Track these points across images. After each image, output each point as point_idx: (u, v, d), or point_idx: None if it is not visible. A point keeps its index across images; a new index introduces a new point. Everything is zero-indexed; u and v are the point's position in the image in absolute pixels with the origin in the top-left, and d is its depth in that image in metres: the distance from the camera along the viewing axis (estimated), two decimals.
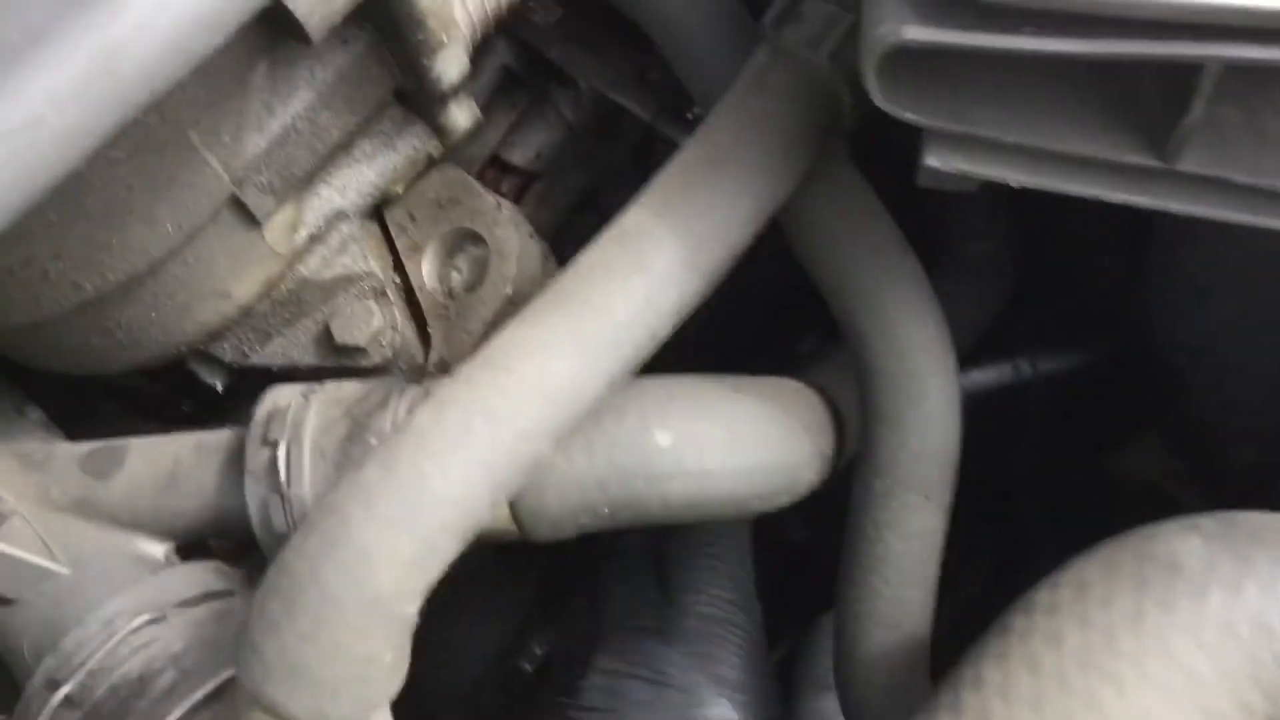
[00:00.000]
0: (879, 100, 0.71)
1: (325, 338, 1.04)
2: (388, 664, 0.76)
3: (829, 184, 0.95)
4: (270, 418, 0.92)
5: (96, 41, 0.65)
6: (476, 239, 1.10)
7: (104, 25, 0.65)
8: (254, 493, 0.91)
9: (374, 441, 0.89)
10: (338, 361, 1.04)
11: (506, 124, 1.25)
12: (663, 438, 0.89)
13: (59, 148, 0.65)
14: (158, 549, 0.97)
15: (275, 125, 0.92)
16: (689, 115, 1.19)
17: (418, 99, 1.01)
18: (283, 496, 0.90)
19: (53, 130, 0.64)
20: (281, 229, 1.00)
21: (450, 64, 0.94)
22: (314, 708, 0.74)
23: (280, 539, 0.91)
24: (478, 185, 1.09)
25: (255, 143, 0.92)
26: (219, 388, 1.08)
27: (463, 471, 0.74)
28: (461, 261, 1.11)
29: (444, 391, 0.77)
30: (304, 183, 0.99)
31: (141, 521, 0.96)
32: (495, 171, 1.26)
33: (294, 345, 1.05)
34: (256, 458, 0.91)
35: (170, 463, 0.96)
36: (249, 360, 1.06)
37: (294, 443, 0.91)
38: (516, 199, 1.24)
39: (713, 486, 0.90)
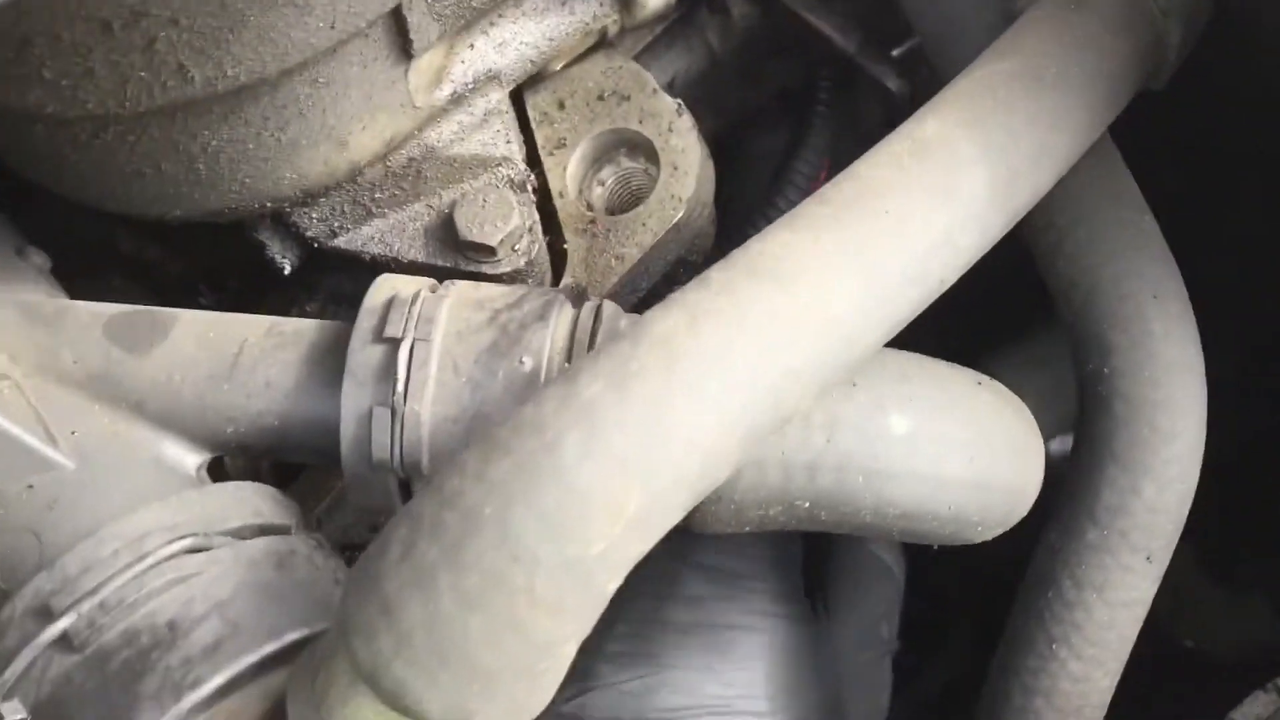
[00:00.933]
0: None
1: (442, 229, 0.82)
2: (562, 662, 0.54)
3: (1093, 162, 0.77)
4: (389, 307, 0.70)
5: None
6: (635, 148, 0.88)
7: None
8: (353, 401, 0.68)
9: (526, 363, 0.67)
10: (454, 261, 0.82)
11: (644, 38, 1.05)
12: (899, 424, 0.69)
13: None
14: (190, 458, 0.73)
15: None
16: (894, 53, 0.99)
17: None
18: (394, 412, 0.67)
19: None
20: (426, 76, 0.77)
21: None
22: (457, 706, 0.52)
23: (378, 470, 0.68)
24: (651, 79, 0.88)
25: None
26: (287, 269, 0.85)
27: (718, 410, 0.53)
28: (609, 174, 0.90)
29: (697, 298, 0.56)
30: (469, 21, 0.77)
31: (179, 418, 0.72)
32: None
33: (399, 231, 0.83)
34: (363, 356, 0.69)
35: (233, 345, 0.73)
36: (334, 240, 0.83)
37: (420, 343, 0.68)
38: None
39: (942, 498, 0.70)
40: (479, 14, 0.77)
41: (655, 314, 0.56)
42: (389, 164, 0.80)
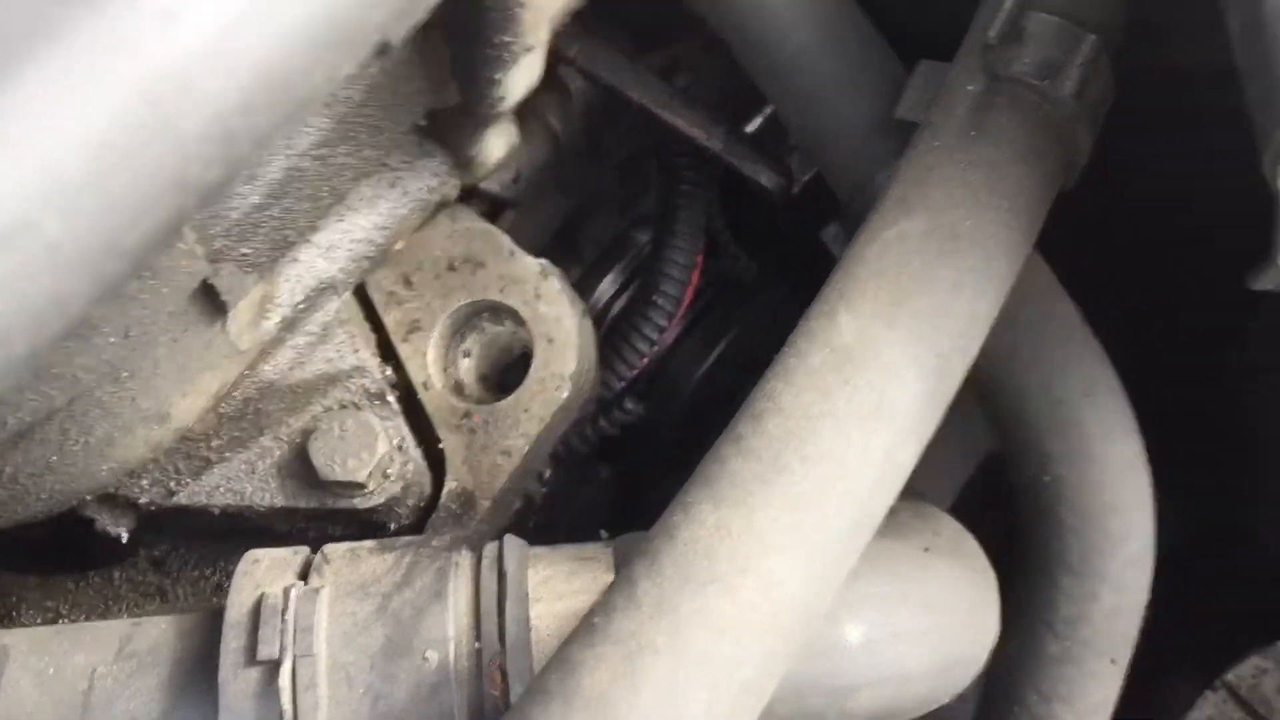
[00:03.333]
0: None
1: (298, 465, 0.71)
2: None
3: None
4: (258, 615, 0.60)
5: None
6: (497, 312, 0.79)
7: None
8: None
9: (430, 659, 0.58)
10: (318, 500, 0.72)
11: None
12: (853, 633, 0.62)
13: None
14: None
15: (274, 172, 0.59)
16: (749, 129, 0.91)
17: (449, 123, 0.70)
18: None
19: None
20: (246, 317, 0.66)
21: (524, 75, 0.64)
22: None
23: None
24: (507, 239, 0.78)
25: (244, 205, 0.59)
26: (123, 537, 0.73)
27: None
28: (473, 342, 0.80)
29: (629, 628, 0.47)
30: (288, 245, 0.67)
31: None
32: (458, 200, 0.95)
33: (245, 476, 0.72)
34: (238, 685, 0.58)
35: (81, 679, 0.62)
36: (173, 498, 0.72)
37: (303, 660, 0.58)
38: None
39: (908, 694, 0.64)
40: (299, 235, 0.66)
41: (582, 657, 0.47)
42: (221, 412, 0.69)
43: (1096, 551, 0.73)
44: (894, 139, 0.71)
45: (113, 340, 0.53)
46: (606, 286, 1.02)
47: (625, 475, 1.07)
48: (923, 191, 0.61)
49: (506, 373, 0.81)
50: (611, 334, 0.94)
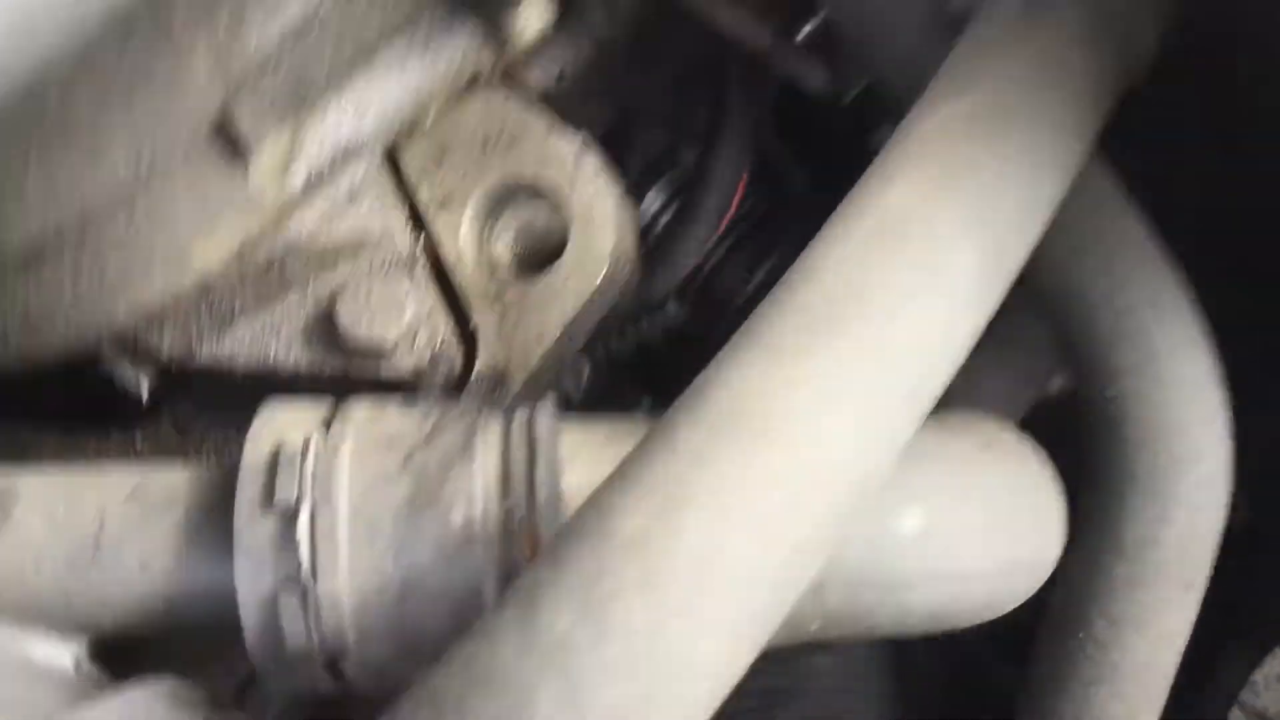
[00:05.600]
0: None
1: (322, 328, 0.70)
2: None
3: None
4: (275, 461, 0.58)
5: None
6: (535, 194, 0.76)
7: None
8: (251, 584, 0.56)
9: (456, 518, 0.56)
10: (343, 366, 0.70)
11: None
12: (910, 522, 0.60)
13: None
14: (63, 652, 0.61)
15: (293, 10, 0.57)
16: (800, 37, 0.88)
17: None
18: (304, 595, 0.56)
19: None
20: (271, 167, 0.64)
21: None
22: None
23: (295, 664, 0.57)
24: (544, 118, 0.76)
25: (262, 36, 0.57)
26: (143, 396, 0.72)
27: (719, 627, 0.43)
28: (508, 223, 0.78)
29: (665, 473, 0.45)
30: (315, 95, 0.64)
31: (43, 614, 0.60)
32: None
33: (271, 336, 0.70)
34: (255, 530, 0.57)
35: (91, 521, 0.60)
36: (196, 357, 0.70)
37: (322, 505, 0.56)
38: None
39: (964, 596, 0.62)
40: (325, 85, 0.64)
41: (618, 499, 0.45)
42: (244, 269, 0.67)
43: (1165, 471, 0.70)
44: (948, 35, 0.69)
45: (124, 168, 0.51)
46: (650, 201, 1.00)
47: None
48: (975, 72, 0.59)
49: (543, 260, 0.79)
50: (655, 246, 0.92)
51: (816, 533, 0.46)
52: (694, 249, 0.88)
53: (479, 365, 0.72)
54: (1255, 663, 0.93)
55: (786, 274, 0.53)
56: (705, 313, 0.98)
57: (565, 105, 0.90)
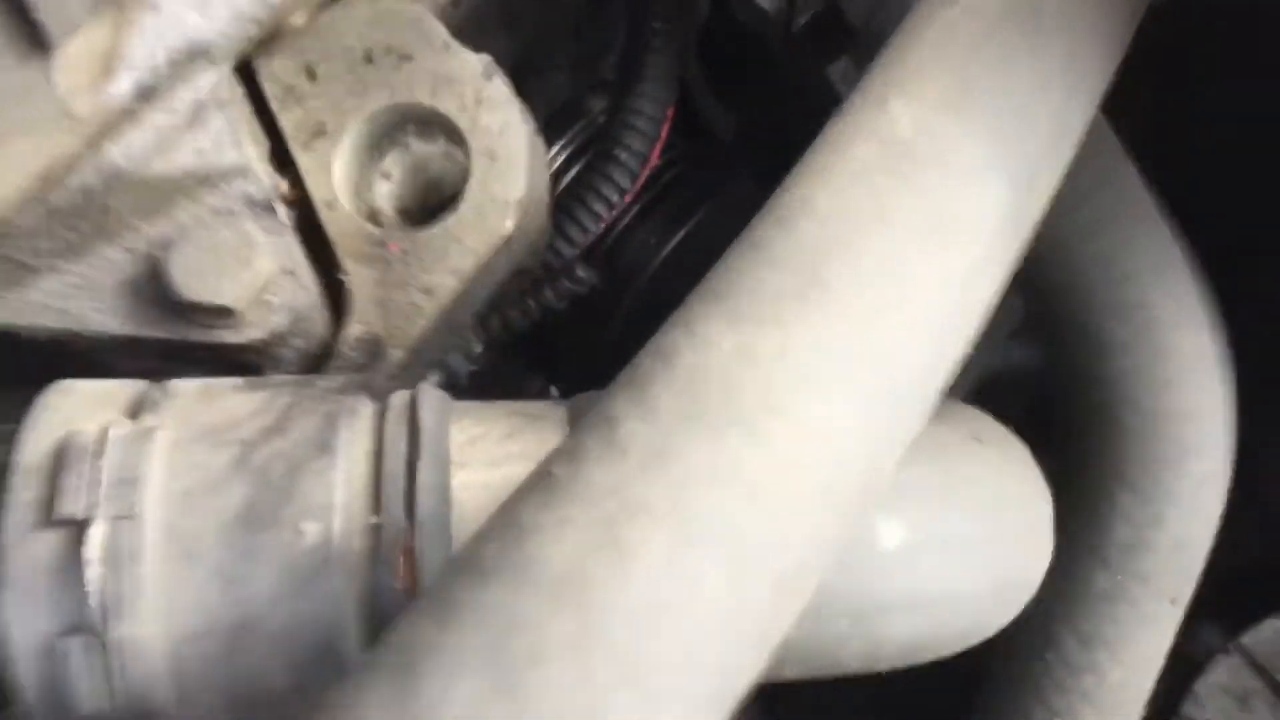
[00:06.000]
0: None
1: (149, 285, 0.54)
2: None
3: None
4: (59, 459, 0.43)
5: None
6: (428, 124, 0.62)
7: None
8: (26, 627, 0.42)
9: (307, 532, 0.42)
10: (175, 331, 0.55)
11: None
12: (890, 534, 0.47)
13: None
14: None
15: None
16: None
17: None
18: (99, 640, 0.41)
19: None
20: (84, 69, 0.49)
21: None
22: None
23: None
24: (442, 29, 0.61)
25: None
26: None
27: (688, 701, 0.30)
28: (394, 161, 0.63)
29: (611, 482, 0.32)
30: None
31: None
32: None
33: (80, 293, 0.55)
34: (29, 549, 0.42)
35: None
36: None
37: (122, 520, 0.42)
38: None
39: (951, 620, 0.50)
40: None
41: (540, 517, 0.31)
42: (51, 203, 0.52)
43: (1164, 464, 0.61)
44: None
45: None
46: (553, 156, 0.86)
47: (561, 393, 0.91)
48: None
49: (435, 207, 0.65)
50: (562, 200, 0.78)
51: (806, 558, 0.33)
52: (609, 203, 0.74)
53: (348, 334, 0.58)
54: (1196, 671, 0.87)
55: (755, 220, 0.40)
56: (613, 281, 0.84)
57: (459, 36, 0.76)
